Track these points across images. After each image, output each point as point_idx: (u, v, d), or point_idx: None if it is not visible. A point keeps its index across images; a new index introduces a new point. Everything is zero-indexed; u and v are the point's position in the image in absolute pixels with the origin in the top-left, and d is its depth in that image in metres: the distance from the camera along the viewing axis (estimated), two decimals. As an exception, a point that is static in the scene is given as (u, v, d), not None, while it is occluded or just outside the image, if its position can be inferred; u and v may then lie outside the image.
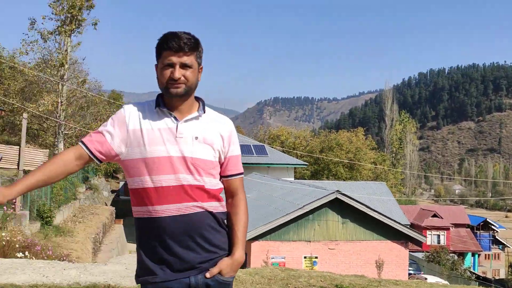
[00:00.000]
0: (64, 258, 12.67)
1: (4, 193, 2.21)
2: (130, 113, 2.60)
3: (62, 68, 27.06)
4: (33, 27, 26.76)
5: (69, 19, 26.65)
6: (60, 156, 2.55)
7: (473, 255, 53.61)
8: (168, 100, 2.60)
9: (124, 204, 49.94)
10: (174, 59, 2.51)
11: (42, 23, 43.66)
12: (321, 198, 21.10)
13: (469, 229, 55.07)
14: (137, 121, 2.57)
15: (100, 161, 2.59)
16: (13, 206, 14.54)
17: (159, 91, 2.63)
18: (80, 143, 2.58)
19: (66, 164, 2.53)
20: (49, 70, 27.42)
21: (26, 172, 15.32)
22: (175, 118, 2.57)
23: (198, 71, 2.60)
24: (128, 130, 2.55)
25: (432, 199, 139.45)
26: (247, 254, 20.25)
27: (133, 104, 2.65)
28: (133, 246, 31.80)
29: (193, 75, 2.55)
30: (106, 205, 37.05)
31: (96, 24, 27.38)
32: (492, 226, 57.70)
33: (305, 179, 50.33)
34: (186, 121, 2.58)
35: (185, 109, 2.60)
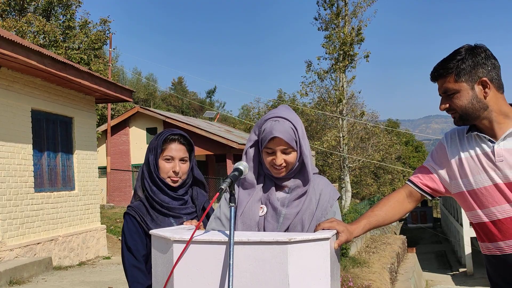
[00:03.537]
0: (366, 289, 12.75)
1: (350, 229, 2.13)
2: (450, 142, 2.37)
3: (340, 103, 28.12)
4: (310, 68, 28.58)
5: (341, 55, 27.72)
6: (392, 196, 2.46)
7: None
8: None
9: (413, 232, 49.09)
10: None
11: (318, 64, 46.46)
12: None
13: None
14: (456, 150, 2.32)
15: (433, 196, 2.44)
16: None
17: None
18: (407, 182, 2.48)
19: (401, 203, 2.42)
20: (328, 107, 28.78)
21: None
22: (490, 140, 2.21)
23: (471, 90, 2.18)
24: (450, 161, 2.33)
25: None
26: None
27: (451, 131, 2.43)
28: (429, 275, 30.81)
29: (458, 100, 2.18)
30: (396, 234, 36.88)
31: (367, 56, 27.93)
32: None
33: None
34: (504, 139, 2.18)
35: (498, 127, 2.20)
